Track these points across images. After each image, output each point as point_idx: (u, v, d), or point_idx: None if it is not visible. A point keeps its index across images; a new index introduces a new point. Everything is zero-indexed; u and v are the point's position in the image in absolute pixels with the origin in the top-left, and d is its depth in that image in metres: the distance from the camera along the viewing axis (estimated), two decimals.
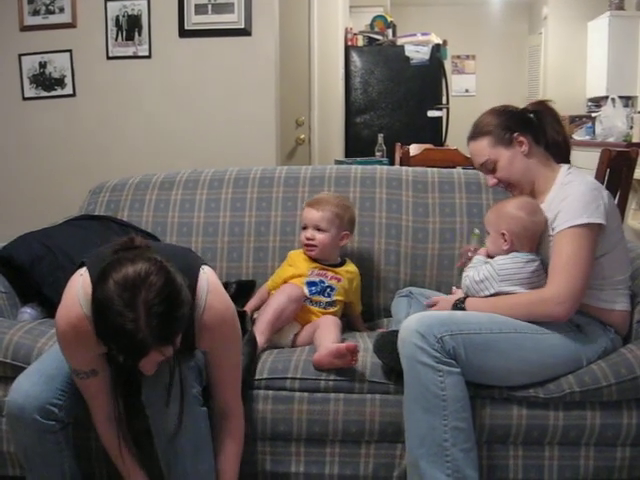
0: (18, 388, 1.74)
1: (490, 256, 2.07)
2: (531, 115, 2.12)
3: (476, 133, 2.12)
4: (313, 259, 2.37)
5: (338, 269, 2.38)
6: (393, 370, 1.96)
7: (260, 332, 2.09)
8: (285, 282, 2.33)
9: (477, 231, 2.25)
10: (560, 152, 2.12)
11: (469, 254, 2.18)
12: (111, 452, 1.80)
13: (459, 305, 2.02)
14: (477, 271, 2.02)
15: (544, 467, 1.98)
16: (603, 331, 1.98)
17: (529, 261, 1.99)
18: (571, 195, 1.95)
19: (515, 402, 1.94)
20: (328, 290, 2.32)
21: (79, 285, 1.61)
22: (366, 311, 2.57)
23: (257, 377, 2.01)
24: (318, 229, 2.33)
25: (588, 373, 1.93)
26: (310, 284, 2.32)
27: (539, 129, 2.10)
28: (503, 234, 2.01)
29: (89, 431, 2.05)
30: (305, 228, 2.37)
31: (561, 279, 1.89)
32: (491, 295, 1.99)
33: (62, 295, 1.66)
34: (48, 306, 2.38)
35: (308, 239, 2.34)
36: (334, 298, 2.34)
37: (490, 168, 2.09)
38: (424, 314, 1.92)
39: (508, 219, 2.01)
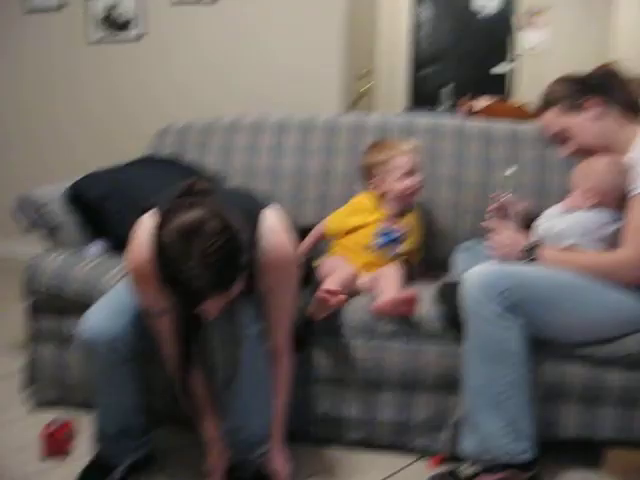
0: (88, 322, 1.80)
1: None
2: (598, 79, 2.05)
3: (545, 104, 2.06)
4: (380, 206, 2.33)
5: (405, 217, 2.35)
6: (452, 321, 1.97)
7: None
8: (351, 232, 2.32)
9: (508, 172, 2.15)
10: (634, 112, 2.05)
11: (501, 199, 2.11)
12: (181, 390, 1.83)
13: (529, 250, 1.97)
14: (553, 223, 1.98)
15: (599, 426, 1.98)
16: None
17: (614, 220, 1.93)
18: None
19: (573, 359, 1.93)
20: (397, 240, 2.31)
21: (146, 228, 1.62)
22: (427, 263, 2.56)
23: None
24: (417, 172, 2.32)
25: None
26: (381, 234, 2.30)
27: (609, 91, 2.02)
28: (590, 191, 1.95)
29: (151, 365, 2.13)
30: (409, 174, 2.29)
31: (635, 244, 1.85)
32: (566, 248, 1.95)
33: (130, 234, 1.69)
34: (115, 242, 2.44)
35: (417, 183, 2.31)
36: (401, 248, 2.32)
37: (564, 137, 2.04)
38: (489, 266, 1.90)
39: (596, 176, 1.95)
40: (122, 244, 2.35)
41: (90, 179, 2.52)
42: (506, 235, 2.01)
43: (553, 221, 2.00)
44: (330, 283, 2.00)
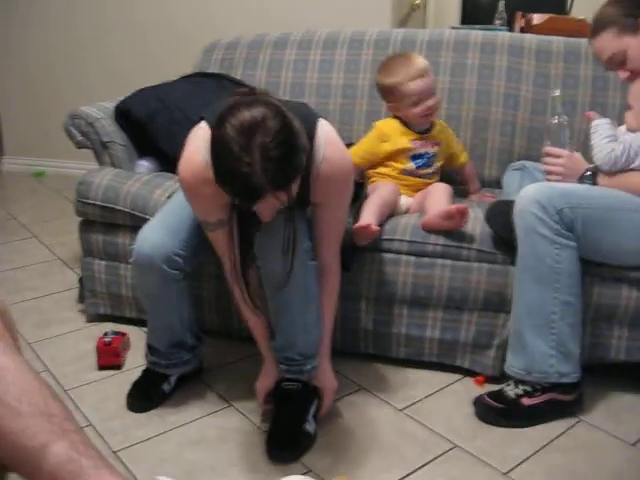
0: (145, 238, 1.81)
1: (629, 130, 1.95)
2: None
3: (597, 28, 1.93)
4: (406, 128, 2.24)
5: (432, 132, 2.29)
6: (503, 239, 1.94)
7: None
8: (384, 161, 2.26)
9: (558, 92, 2.05)
10: None
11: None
12: (240, 306, 1.85)
13: (588, 176, 1.93)
14: (622, 146, 1.88)
15: None
16: None
17: None
18: None
19: (626, 282, 1.90)
20: (432, 159, 2.27)
21: (200, 136, 1.61)
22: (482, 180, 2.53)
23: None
24: (433, 94, 2.22)
25: None
26: (416, 157, 2.25)
27: None
28: None
29: (202, 281, 2.17)
30: (421, 99, 2.18)
31: None
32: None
33: (182, 148, 1.67)
34: (164, 159, 2.45)
35: (434, 108, 2.22)
36: (437, 166, 2.30)
37: (620, 61, 1.92)
38: (544, 184, 1.85)
39: None
40: (172, 161, 2.37)
41: (138, 96, 2.52)
42: (567, 159, 1.95)
43: (621, 140, 1.90)
44: (365, 217, 1.98)
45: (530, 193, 1.81)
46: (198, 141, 1.61)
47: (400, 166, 2.24)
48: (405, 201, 2.22)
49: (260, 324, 1.86)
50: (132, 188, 2.24)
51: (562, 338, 1.81)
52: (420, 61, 2.19)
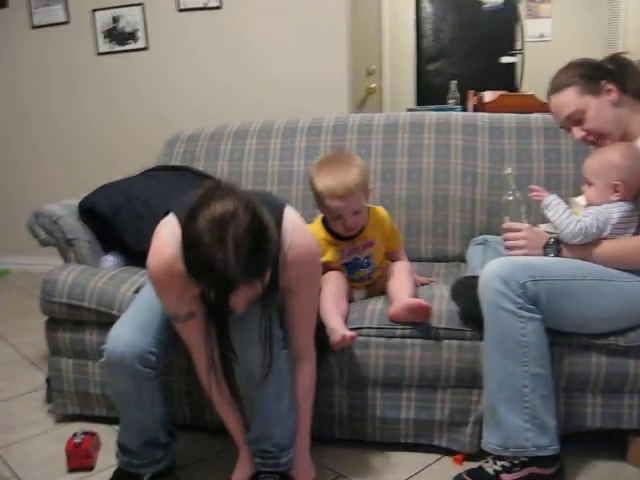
0: (117, 337, 1.78)
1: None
2: (614, 66, 2.02)
3: (559, 86, 2.01)
4: (332, 237, 2.14)
5: (363, 234, 2.15)
6: (470, 316, 1.96)
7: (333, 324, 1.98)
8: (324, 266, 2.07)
9: (509, 170, 2.08)
10: None
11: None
12: (214, 399, 1.83)
13: (552, 244, 1.94)
14: (589, 218, 1.90)
15: (623, 415, 1.96)
16: None
17: (635, 210, 1.91)
18: None
19: (594, 350, 1.92)
20: (366, 261, 2.18)
21: (168, 229, 1.63)
22: (441, 258, 2.56)
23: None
24: (355, 212, 2.07)
25: None
26: (346, 266, 2.17)
27: (623, 79, 1.99)
28: (616, 185, 1.90)
29: (172, 375, 2.14)
30: (349, 215, 2.05)
31: None
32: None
33: (148, 242, 1.68)
34: (129, 254, 2.45)
35: (352, 227, 2.10)
36: (376, 264, 2.20)
37: (577, 119, 1.99)
38: (506, 259, 1.88)
39: (618, 169, 1.90)
40: (137, 255, 2.37)
41: (102, 192, 2.54)
42: (528, 232, 1.98)
43: (590, 215, 1.92)
44: (335, 329, 1.94)
45: (492, 269, 1.84)
46: (166, 235, 1.63)
47: (340, 271, 2.17)
48: (358, 294, 2.21)
49: (234, 416, 1.83)
50: (98, 284, 2.23)
51: (535, 410, 1.81)
52: (350, 178, 2.01)
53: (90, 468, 2.08)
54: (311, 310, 1.84)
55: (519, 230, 1.98)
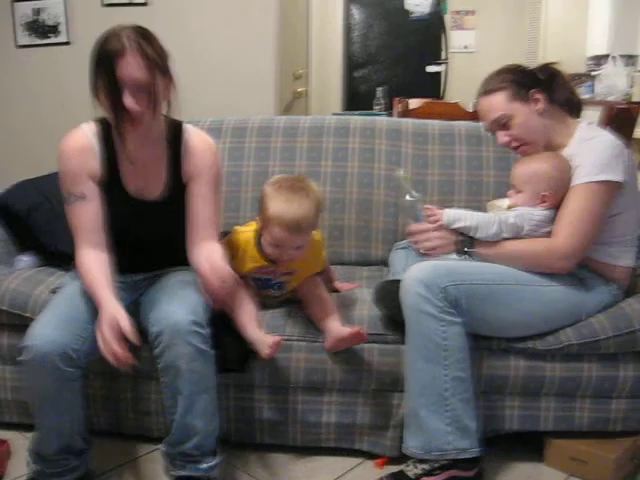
0: (38, 334, 1.70)
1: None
2: (543, 75, 2.06)
3: (490, 89, 2.04)
4: (258, 252, 2.02)
5: (288, 264, 2.01)
6: (392, 320, 1.97)
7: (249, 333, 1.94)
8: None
9: (402, 172, 2.11)
10: (573, 109, 2.07)
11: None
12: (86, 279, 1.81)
13: (465, 244, 1.97)
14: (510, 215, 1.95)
15: (540, 418, 2.00)
16: (605, 285, 1.98)
17: (553, 218, 1.94)
18: (592, 151, 1.91)
19: (513, 353, 1.95)
20: (277, 285, 2.08)
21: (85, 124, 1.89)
22: (364, 262, 2.57)
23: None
24: (297, 247, 1.96)
25: (587, 326, 1.93)
26: (255, 281, 2.07)
27: (551, 88, 2.04)
28: (544, 196, 1.93)
29: (89, 379, 2.07)
30: (287, 249, 1.94)
31: (571, 234, 1.87)
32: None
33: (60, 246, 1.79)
34: (44, 254, 2.37)
35: (286, 261, 1.99)
36: (287, 290, 2.11)
37: (503, 124, 2.02)
38: (427, 264, 1.90)
39: (548, 181, 1.93)
40: (52, 256, 2.30)
41: (18, 189, 2.45)
42: (436, 231, 1.99)
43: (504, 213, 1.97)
44: (264, 336, 1.90)
45: (414, 273, 1.85)
46: (83, 125, 1.89)
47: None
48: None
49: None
50: (12, 285, 2.14)
51: (457, 414, 1.82)
52: (304, 213, 1.87)
53: (0, 478, 1.99)
54: (213, 205, 1.92)
55: (425, 231, 1.99)
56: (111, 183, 1.87)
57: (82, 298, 1.80)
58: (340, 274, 2.35)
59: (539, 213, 1.93)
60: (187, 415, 1.74)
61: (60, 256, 2.24)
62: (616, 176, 1.87)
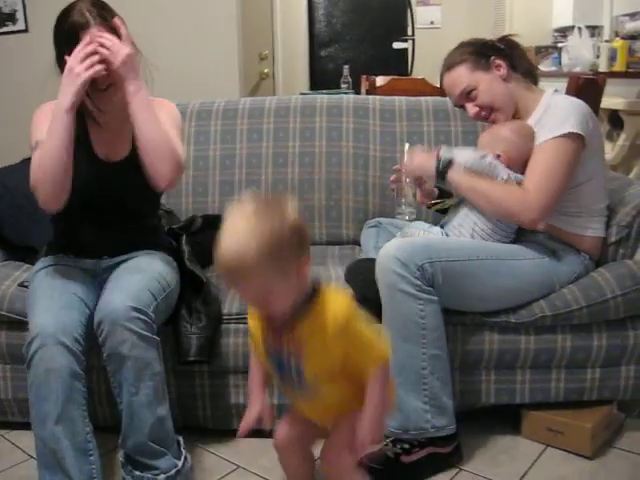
0: (44, 323, 1.67)
1: None
2: (503, 45, 2.07)
3: (451, 64, 2.05)
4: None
5: (294, 328, 1.38)
6: (365, 298, 1.94)
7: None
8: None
9: (407, 145, 2.11)
10: (534, 80, 2.08)
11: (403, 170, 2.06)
12: None
13: (442, 165, 1.95)
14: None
15: (516, 390, 2.00)
16: (577, 256, 1.98)
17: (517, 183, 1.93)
18: (556, 108, 1.93)
19: (487, 327, 1.95)
20: (292, 366, 1.42)
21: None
22: (335, 242, 2.55)
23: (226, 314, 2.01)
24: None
25: (559, 297, 1.94)
26: (273, 358, 1.46)
27: (512, 58, 2.05)
28: (499, 156, 1.95)
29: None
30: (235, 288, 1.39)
31: (539, 187, 1.87)
32: None
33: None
34: (8, 248, 2.31)
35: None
36: (311, 392, 1.45)
37: (470, 94, 2.03)
38: (403, 241, 1.89)
39: (504, 142, 1.95)
40: (17, 250, 2.24)
41: None
42: (407, 160, 2.02)
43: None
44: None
45: (391, 251, 1.83)
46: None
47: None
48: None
49: None
50: None
51: (434, 392, 1.82)
52: (237, 252, 1.25)
53: None
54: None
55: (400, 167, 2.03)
56: (79, 145, 1.82)
57: (65, 286, 1.79)
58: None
59: (504, 170, 1.93)
60: (133, 404, 1.70)
61: (24, 250, 2.19)
62: (578, 129, 1.86)
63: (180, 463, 1.76)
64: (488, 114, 2.04)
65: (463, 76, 2.02)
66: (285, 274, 1.31)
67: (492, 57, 2.01)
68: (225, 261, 1.27)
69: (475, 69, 2.01)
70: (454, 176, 1.94)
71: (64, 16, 1.77)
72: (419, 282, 1.80)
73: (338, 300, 1.39)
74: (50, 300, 1.75)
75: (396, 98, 2.68)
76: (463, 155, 1.96)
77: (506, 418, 2.09)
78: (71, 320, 1.69)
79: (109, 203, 1.87)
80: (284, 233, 1.28)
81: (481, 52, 2.03)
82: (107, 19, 1.78)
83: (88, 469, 1.67)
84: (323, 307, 1.37)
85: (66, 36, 1.76)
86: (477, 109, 2.04)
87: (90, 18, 1.74)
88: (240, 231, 1.27)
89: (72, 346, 1.65)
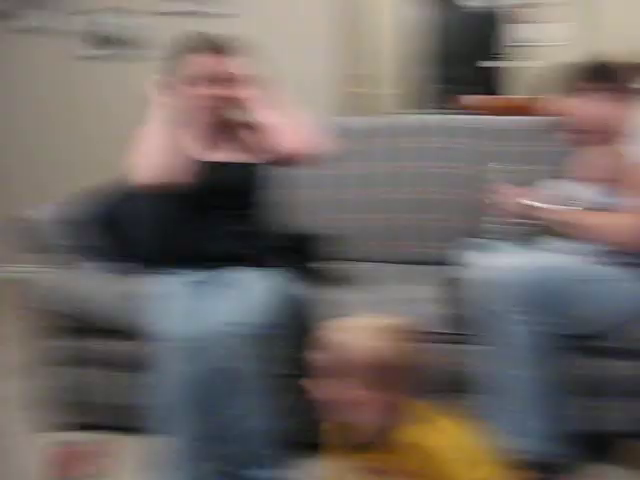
0: (174, 326, 1.76)
1: None
2: (615, 68, 2.03)
3: (569, 90, 2.03)
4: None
5: (386, 443, 1.34)
6: (461, 319, 1.91)
7: None
8: None
9: (493, 165, 2.14)
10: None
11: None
12: None
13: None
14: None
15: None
16: None
17: None
18: None
19: (586, 351, 1.91)
20: None
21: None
22: (425, 261, 2.50)
23: None
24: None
25: None
26: None
27: (620, 80, 2.02)
28: None
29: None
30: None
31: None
32: None
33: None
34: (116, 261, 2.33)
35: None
36: None
37: (583, 126, 2.02)
38: (508, 262, 1.85)
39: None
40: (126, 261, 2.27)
41: (92, 198, 2.40)
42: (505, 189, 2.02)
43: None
44: None
45: (494, 272, 1.82)
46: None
47: None
48: None
49: None
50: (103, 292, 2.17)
51: (552, 417, 1.79)
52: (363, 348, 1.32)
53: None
54: None
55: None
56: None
57: (182, 293, 1.86)
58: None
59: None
60: (227, 415, 1.74)
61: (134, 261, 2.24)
62: None
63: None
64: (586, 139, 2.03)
65: (587, 105, 1.99)
66: (385, 390, 1.30)
67: (615, 85, 1.99)
68: (352, 353, 1.28)
69: (610, 98, 1.98)
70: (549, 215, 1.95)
71: (183, 44, 2.08)
72: (522, 304, 1.76)
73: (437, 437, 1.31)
74: (176, 305, 1.83)
75: (490, 118, 2.68)
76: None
77: (595, 447, 1.97)
78: (196, 324, 1.75)
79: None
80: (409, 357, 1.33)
81: (607, 80, 1.99)
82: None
83: None
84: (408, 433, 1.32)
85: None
86: (588, 137, 2.03)
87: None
88: (375, 330, 1.32)
89: (204, 348, 1.71)
